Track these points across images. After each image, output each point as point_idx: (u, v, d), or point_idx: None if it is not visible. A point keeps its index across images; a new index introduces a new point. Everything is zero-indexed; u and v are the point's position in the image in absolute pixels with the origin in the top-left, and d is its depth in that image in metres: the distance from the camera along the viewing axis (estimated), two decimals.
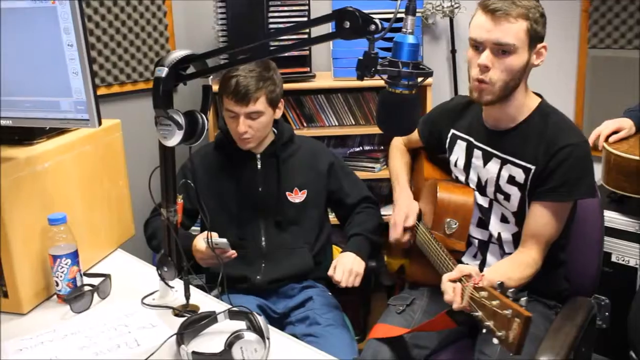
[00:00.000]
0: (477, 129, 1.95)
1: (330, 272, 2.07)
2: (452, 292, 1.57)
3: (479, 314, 1.44)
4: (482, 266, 1.97)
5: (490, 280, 1.56)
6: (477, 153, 1.94)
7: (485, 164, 1.91)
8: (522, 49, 1.71)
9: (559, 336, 1.67)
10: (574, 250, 1.90)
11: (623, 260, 2.46)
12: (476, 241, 1.97)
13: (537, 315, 1.86)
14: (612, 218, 2.45)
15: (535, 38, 1.73)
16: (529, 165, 1.81)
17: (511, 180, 1.84)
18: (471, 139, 1.96)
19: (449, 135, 2.05)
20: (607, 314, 2.51)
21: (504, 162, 1.86)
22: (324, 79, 3.07)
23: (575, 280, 1.94)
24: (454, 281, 1.59)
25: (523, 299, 1.37)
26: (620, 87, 3.12)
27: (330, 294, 2.24)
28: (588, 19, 3.23)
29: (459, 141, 2.01)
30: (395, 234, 2.07)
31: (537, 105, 1.85)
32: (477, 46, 1.75)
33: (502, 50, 1.71)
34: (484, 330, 1.42)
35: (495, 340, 1.38)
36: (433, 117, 2.16)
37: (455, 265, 1.71)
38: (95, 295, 1.69)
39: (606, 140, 2.39)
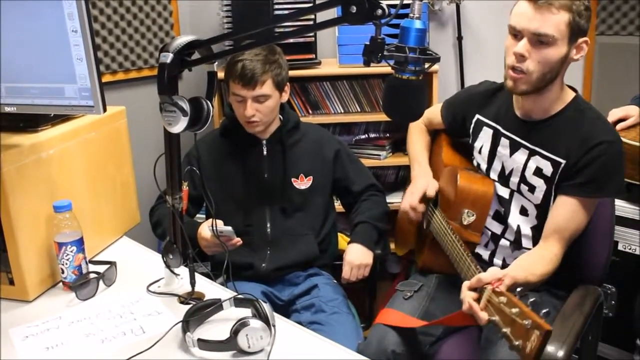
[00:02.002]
0: (505, 117, 1.91)
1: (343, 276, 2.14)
2: (468, 305, 1.52)
3: (496, 318, 1.40)
4: (492, 256, 1.96)
5: (514, 277, 1.54)
6: (504, 142, 1.90)
7: (512, 153, 1.88)
8: (562, 42, 1.66)
9: (566, 325, 1.66)
10: (584, 239, 1.88)
11: (630, 249, 2.45)
12: (489, 232, 1.95)
13: (546, 304, 1.85)
14: (619, 206, 2.43)
15: (576, 31, 1.67)
16: (559, 159, 1.78)
17: (538, 172, 1.82)
18: (499, 127, 1.93)
19: (474, 120, 2.02)
20: (613, 302, 2.51)
21: (532, 153, 1.83)
22: (329, 66, 3.06)
23: (584, 269, 1.93)
24: (474, 289, 1.54)
25: (544, 311, 1.34)
26: (628, 74, 3.10)
27: (335, 281, 2.24)
28: (596, 5, 3.20)
29: (485, 128, 1.98)
30: (411, 200, 2.02)
31: (572, 99, 1.81)
32: (516, 34, 1.70)
33: (540, 40, 1.66)
34: (500, 336, 1.39)
35: (510, 348, 1.35)
36: (459, 100, 2.13)
37: (472, 263, 1.68)
38: (101, 282, 1.69)
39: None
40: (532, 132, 1.84)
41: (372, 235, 2.20)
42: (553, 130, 1.80)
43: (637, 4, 3.10)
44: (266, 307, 1.42)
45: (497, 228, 1.94)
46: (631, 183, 2.37)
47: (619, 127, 2.37)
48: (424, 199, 2.04)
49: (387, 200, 2.37)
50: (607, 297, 2.49)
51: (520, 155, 1.86)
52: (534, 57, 1.68)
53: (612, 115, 2.41)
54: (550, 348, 1.55)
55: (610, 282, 2.49)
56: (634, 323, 2.16)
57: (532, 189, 1.84)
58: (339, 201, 2.46)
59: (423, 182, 2.06)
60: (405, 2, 1.20)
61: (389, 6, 1.17)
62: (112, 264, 1.75)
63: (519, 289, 1.44)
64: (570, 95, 1.83)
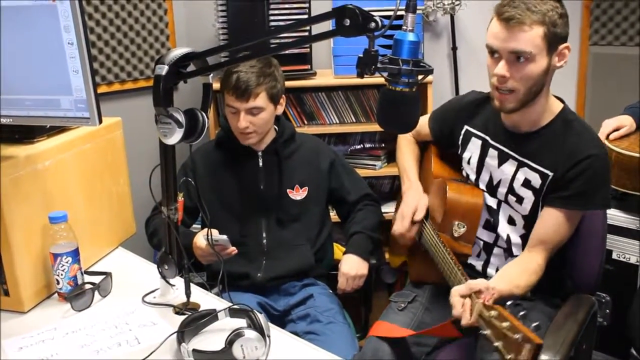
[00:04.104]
0: (494, 128, 1.91)
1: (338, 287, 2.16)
2: (460, 308, 1.54)
3: (488, 332, 1.40)
4: (485, 266, 1.96)
5: (499, 291, 1.54)
6: (493, 153, 1.90)
7: (500, 164, 1.88)
8: (540, 55, 1.67)
9: (560, 333, 1.66)
10: (577, 248, 1.89)
11: (624, 258, 2.46)
12: (481, 242, 1.95)
13: (540, 313, 1.86)
14: (613, 215, 2.45)
15: (554, 41, 1.68)
16: (547, 172, 1.78)
17: (526, 183, 1.82)
18: (487, 138, 1.93)
19: (463, 131, 2.01)
20: (607, 311, 2.51)
21: (520, 164, 1.84)
22: (324, 77, 3.07)
23: (577, 277, 1.94)
24: (463, 296, 1.55)
25: (534, 324, 1.34)
26: (622, 84, 3.12)
27: (331, 291, 2.24)
28: (589, 15, 3.22)
29: (473, 139, 1.97)
30: (401, 227, 2.03)
31: (559, 111, 1.82)
32: (494, 53, 1.71)
33: (519, 58, 1.66)
34: (493, 350, 1.40)
35: None
36: (446, 111, 2.12)
37: (463, 276, 1.69)
38: (96, 293, 1.69)
39: (607, 137, 2.39)
40: (521, 143, 1.84)
41: (367, 245, 2.21)
42: (541, 143, 1.81)
43: (630, 15, 3.12)
44: (261, 318, 1.42)
45: (488, 237, 1.94)
46: (625, 192, 2.38)
47: (612, 136, 2.39)
48: (414, 220, 2.04)
49: (382, 210, 2.38)
50: (601, 306, 2.50)
51: (509, 167, 1.86)
52: (516, 75, 1.68)
53: (606, 125, 2.43)
54: (544, 357, 1.55)
55: (605, 290, 2.50)
56: (628, 331, 2.16)
57: (520, 200, 1.85)
58: (335, 211, 2.46)
59: (412, 204, 2.04)
60: (398, 13, 1.22)
61: (383, 17, 1.19)
62: (107, 274, 1.75)
63: (509, 302, 1.44)
64: (558, 106, 1.83)
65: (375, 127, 3.11)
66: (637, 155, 2.26)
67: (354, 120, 3.17)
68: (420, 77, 1.29)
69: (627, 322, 2.15)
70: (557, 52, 1.71)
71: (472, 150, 1.98)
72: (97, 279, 1.72)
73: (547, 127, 1.81)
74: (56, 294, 1.70)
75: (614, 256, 2.48)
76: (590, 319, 1.83)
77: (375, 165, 3.12)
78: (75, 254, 1.66)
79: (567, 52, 1.73)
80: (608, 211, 2.02)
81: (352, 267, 2.13)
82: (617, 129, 2.40)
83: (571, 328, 1.71)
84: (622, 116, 2.43)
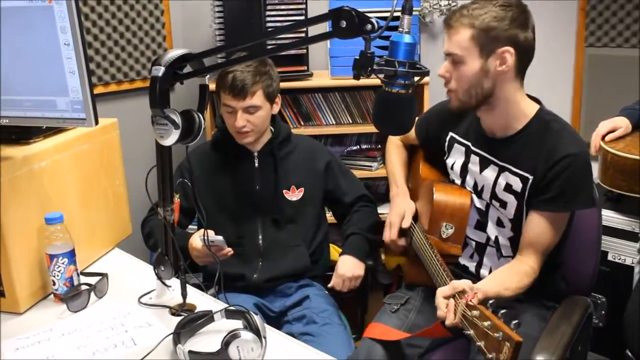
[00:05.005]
0: (475, 134, 1.93)
1: (331, 285, 2.16)
2: (444, 309, 1.55)
3: (471, 332, 1.42)
4: (478, 267, 1.96)
5: (485, 292, 1.55)
6: (474, 158, 1.92)
7: (482, 170, 1.89)
8: (471, 58, 1.71)
9: (555, 335, 1.67)
10: (571, 249, 1.90)
11: (619, 259, 2.47)
12: (473, 243, 1.96)
13: (534, 316, 1.86)
14: (609, 217, 2.45)
15: (487, 44, 1.69)
16: (527, 175, 1.79)
17: (508, 188, 1.83)
18: (469, 144, 1.94)
19: (447, 138, 2.03)
20: (603, 312, 2.52)
21: (501, 169, 1.84)
22: (321, 78, 3.07)
23: (572, 279, 1.94)
24: (447, 297, 1.56)
25: (514, 322, 1.36)
26: (618, 86, 3.13)
27: (327, 292, 2.25)
28: (585, 17, 3.23)
29: (456, 145, 1.99)
30: (390, 235, 2.06)
31: (535, 113, 1.81)
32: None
33: (453, 60, 1.75)
34: (476, 349, 1.41)
35: None
36: (431, 117, 2.14)
37: (449, 277, 1.70)
38: (92, 294, 1.69)
39: (602, 139, 2.40)
40: (500, 148, 1.85)
41: (364, 246, 2.21)
42: (519, 146, 1.81)
43: (625, 17, 3.13)
44: (257, 319, 1.42)
45: (480, 237, 1.95)
46: (620, 193, 2.39)
47: (607, 138, 2.39)
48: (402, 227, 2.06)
49: (379, 211, 2.38)
50: (596, 307, 2.51)
51: (490, 172, 1.87)
52: (454, 76, 1.77)
53: (601, 127, 2.43)
54: (539, 358, 1.56)
55: (600, 292, 2.50)
56: (624, 333, 2.17)
57: (503, 204, 1.85)
58: (331, 212, 2.46)
59: (399, 212, 2.07)
60: (395, 15, 1.22)
61: (379, 19, 1.19)
62: (103, 275, 1.75)
63: (491, 302, 1.45)
64: (534, 108, 1.83)
65: (371, 129, 3.11)
66: (632, 156, 2.27)
67: (351, 122, 3.18)
68: (416, 78, 1.30)
69: (623, 324, 2.15)
70: (494, 55, 1.71)
71: (456, 157, 1.99)
72: (93, 280, 1.72)
73: (524, 130, 1.81)
74: (52, 295, 1.69)
75: (610, 257, 2.49)
76: (586, 320, 1.84)
77: (371, 166, 3.12)
78: (71, 255, 1.65)
79: (508, 56, 1.70)
80: (603, 213, 2.03)
81: (349, 268, 2.14)
82: (612, 131, 2.40)
83: (566, 330, 1.71)
84: (617, 118, 2.44)
